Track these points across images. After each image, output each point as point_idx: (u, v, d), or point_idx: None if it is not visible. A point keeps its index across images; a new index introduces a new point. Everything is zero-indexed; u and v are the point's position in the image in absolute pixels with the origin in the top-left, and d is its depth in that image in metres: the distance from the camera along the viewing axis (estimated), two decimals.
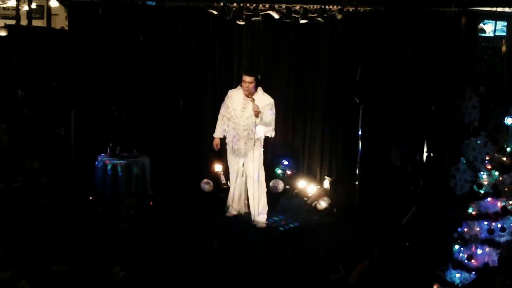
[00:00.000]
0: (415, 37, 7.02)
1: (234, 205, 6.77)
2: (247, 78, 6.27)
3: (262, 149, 6.57)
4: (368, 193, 6.71)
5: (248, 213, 6.66)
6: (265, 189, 6.62)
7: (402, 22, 7.17)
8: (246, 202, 6.68)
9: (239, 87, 6.44)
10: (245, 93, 6.30)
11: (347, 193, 7.12)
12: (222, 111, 6.54)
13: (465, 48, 7.07)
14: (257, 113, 6.19)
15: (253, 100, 6.22)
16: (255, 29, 7.58)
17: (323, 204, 7.12)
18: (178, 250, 5.60)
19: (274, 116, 6.39)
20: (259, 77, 6.38)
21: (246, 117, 6.31)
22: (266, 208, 6.61)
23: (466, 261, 4.76)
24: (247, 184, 6.57)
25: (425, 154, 6.58)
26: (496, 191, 4.74)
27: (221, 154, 7.28)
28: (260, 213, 6.54)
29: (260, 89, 6.38)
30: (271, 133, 6.49)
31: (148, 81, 7.49)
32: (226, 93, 6.66)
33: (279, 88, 7.54)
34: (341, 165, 7.73)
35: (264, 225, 6.56)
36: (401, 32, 7.15)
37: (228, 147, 6.57)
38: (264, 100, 6.32)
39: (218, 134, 6.61)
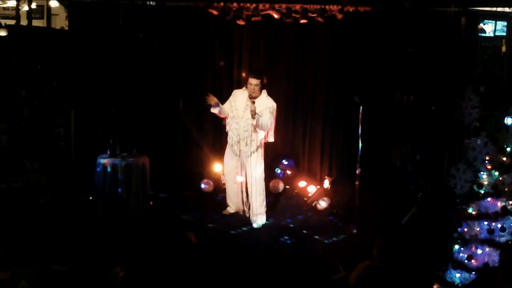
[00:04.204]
0: (415, 37, 7.02)
1: (232, 204, 6.79)
2: (253, 81, 6.25)
3: (262, 150, 6.55)
4: (368, 193, 6.71)
5: (247, 213, 6.66)
6: (263, 189, 6.59)
7: (402, 22, 7.17)
8: (246, 201, 6.68)
9: (244, 88, 6.44)
10: (249, 95, 6.29)
11: (347, 193, 7.11)
12: (226, 102, 6.48)
13: (465, 48, 7.07)
14: (253, 113, 6.14)
15: (253, 102, 6.19)
16: (255, 29, 7.58)
17: (323, 204, 7.11)
18: (178, 250, 5.61)
19: (272, 120, 6.35)
20: (264, 81, 6.37)
21: (247, 118, 6.28)
22: (265, 208, 6.60)
23: (466, 261, 4.77)
24: (247, 184, 6.56)
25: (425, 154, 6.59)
26: (496, 191, 4.76)
27: (221, 154, 7.28)
28: (259, 213, 6.53)
29: (264, 91, 6.38)
30: (270, 138, 6.50)
31: (148, 81, 7.49)
32: (226, 92, 6.67)
33: (279, 88, 7.53)
34: (341, 165, 7.72)
35: (262, 224, 6.54)
36: (401, 32, 7.14)
37: (228, 147, 6.56)
38: (266, 103, 6.30)
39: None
